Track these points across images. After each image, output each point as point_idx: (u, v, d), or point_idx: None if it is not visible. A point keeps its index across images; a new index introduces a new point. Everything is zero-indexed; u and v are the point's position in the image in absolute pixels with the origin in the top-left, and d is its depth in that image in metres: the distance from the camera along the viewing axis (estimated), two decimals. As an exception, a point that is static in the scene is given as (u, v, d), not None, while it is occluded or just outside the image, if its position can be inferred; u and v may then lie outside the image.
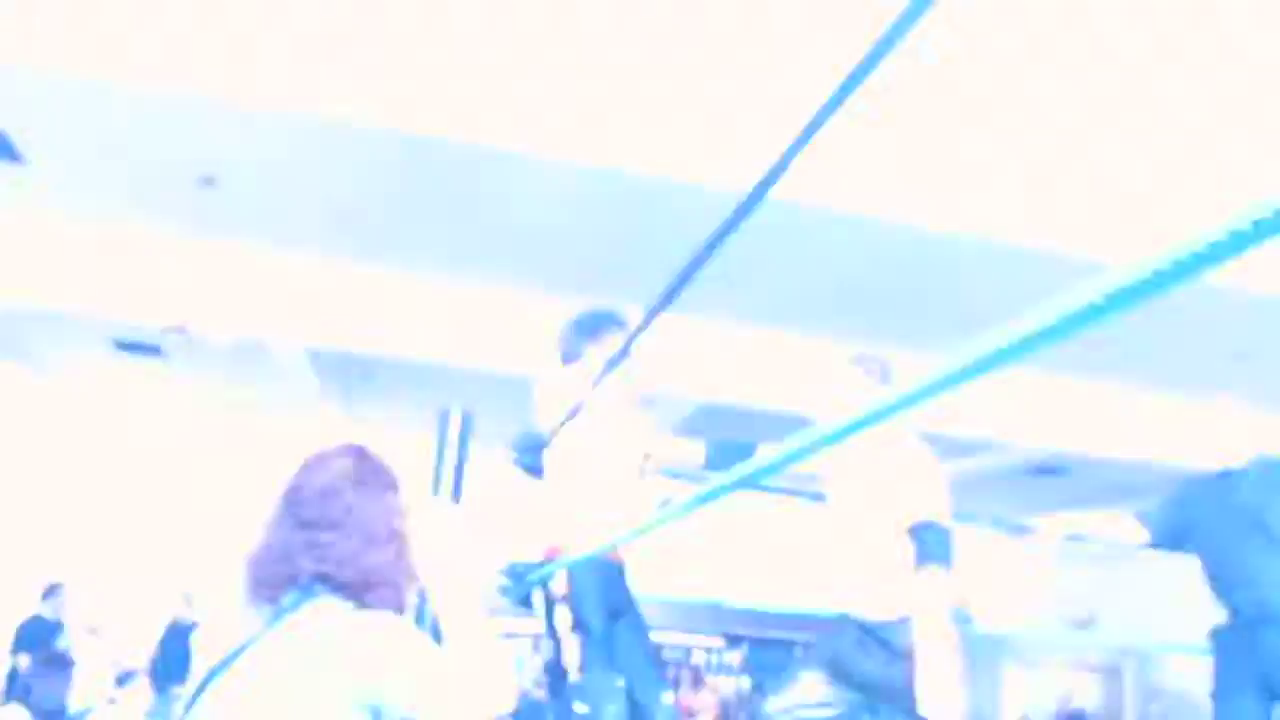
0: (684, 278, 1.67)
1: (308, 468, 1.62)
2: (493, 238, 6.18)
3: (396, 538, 1.59)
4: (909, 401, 0.89)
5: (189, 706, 1.44)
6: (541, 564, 2.69)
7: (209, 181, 5.58)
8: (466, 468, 2.95)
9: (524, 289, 6.95)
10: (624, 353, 2.36)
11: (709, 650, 15.09)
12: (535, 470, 3.04)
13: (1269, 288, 5.16)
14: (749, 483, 1.32)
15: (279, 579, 1.53)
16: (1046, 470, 10.08)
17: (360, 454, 1.66)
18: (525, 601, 2.79)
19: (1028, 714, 13.07)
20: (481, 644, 1.52)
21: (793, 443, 1.12)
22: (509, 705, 1.52)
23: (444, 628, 1.54)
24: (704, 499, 1.50)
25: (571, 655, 2.52)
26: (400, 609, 1.56)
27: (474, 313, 7.17)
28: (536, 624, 2.74)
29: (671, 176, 4.73)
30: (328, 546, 1.53)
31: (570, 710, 2.48)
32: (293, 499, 1.59)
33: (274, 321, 6.96)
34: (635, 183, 4.85)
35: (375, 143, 4.89)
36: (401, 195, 5.72)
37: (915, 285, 6.00)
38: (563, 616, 2.59)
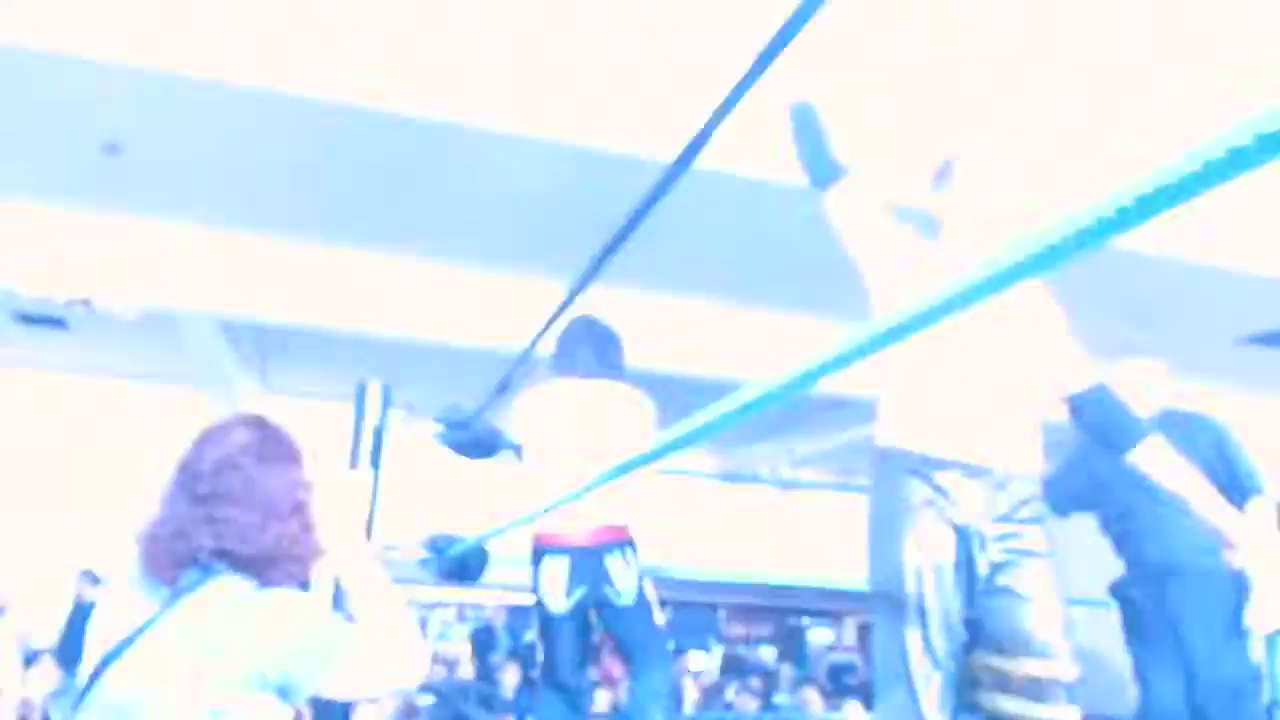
0: (611, 248, 1.65)
1: (204, 440, 1.56)
2: (410, 207, 6.06)
3: (300, 511, 1.54)
4: (838, 363, 0.89)
5: (84, 692, 1.38)
6: (458, 538, 2.67)
7: (113, 149, 5.37)
8: (385, 439, 2.90)
9: (443, 259, 6.85)
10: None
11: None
12: (461, 448, 3.00)
13: (1162, 248, 5.29)
14: (679, 445, 1.33)
15: (177, 557, 1.47)
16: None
17: (261, 425, 1.61)
18: (448, 574, 2.76)
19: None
20: (392, 614, 1.51)
21: (720, 407, 1.11)
22: (421, 675, 1.52)
23: (353, 599, 1.52)
24: (630, 465, 1.49)
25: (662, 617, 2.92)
26: (304, 583, 1.52)
27: (392, 283, 7.05)
28: (459, 594, 2.79)
29: (593, 145, 4.67)
30: (226, 522, 1.47)
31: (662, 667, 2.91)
32: (189, 473, 1.53)
33: (182, 292, 6.77)
34: (560, 152, 4.78)
35: (285, 110, 4.74)
36: (313, 164, 5.57)
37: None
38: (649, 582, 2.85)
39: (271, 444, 1.59)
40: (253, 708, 1.38)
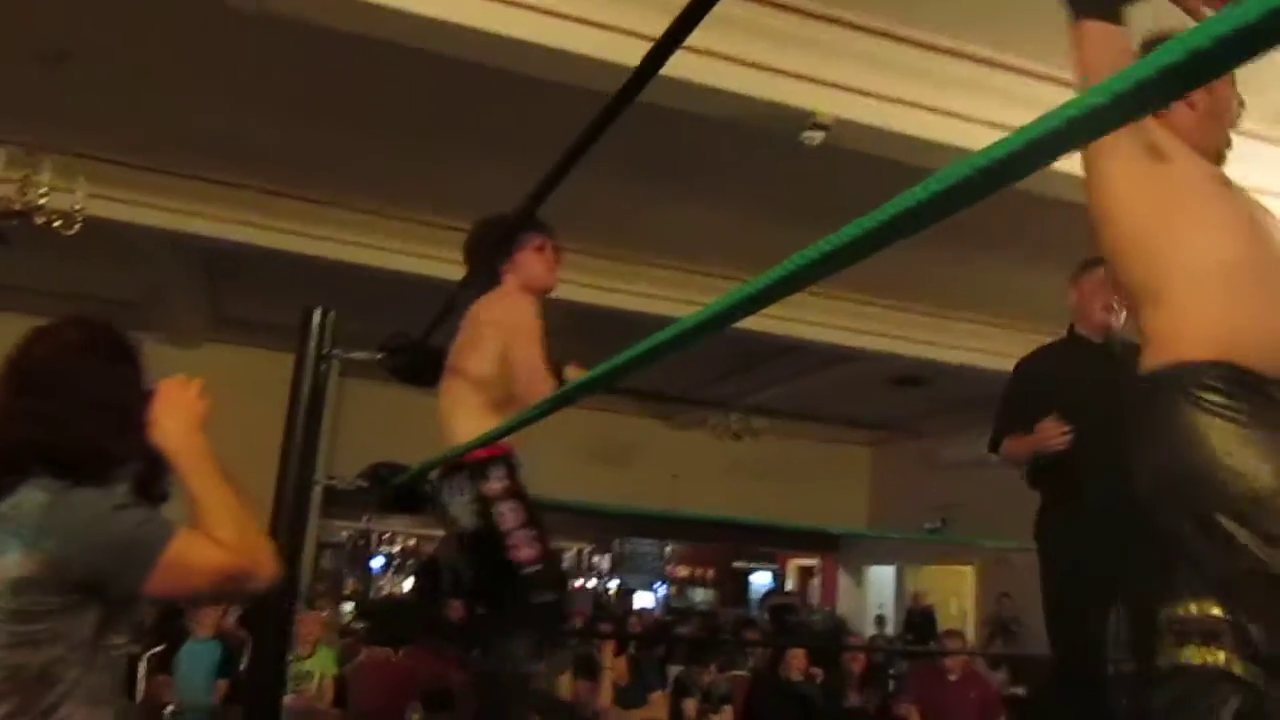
0: (552, 179, 1.64)
1: (35, 338, 1.57)
2: (358, 130, 5.97)
3: (123, 409, 1.55)
4: (754, 303, 0.90)
5: None
6: (405, 468, 2.67)
7: (61, 58, 5.22)
8: (329, 367, 2.89)
9: (395, 183, 6.78)
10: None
11: (580, 552, 15.38)
12: (402, 372, 2.99)
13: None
14: (606, 381, 1.34)
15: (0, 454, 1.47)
16: (909, 381, 10.45)
17: (91, 325, 1.61)
18: (392, 504, 2.77)
19: (883, 609, 13.78)
20: (227, 515, 1.50)
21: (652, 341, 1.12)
22: (265, 578, 1.51)
23: (190, 501, 1.51)
24: (567, 396, 1.50)
25: (528, 549, 2.39)
26: (108, 480, 1.50)
27: (342, 213, 6.97)
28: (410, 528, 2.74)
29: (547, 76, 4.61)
30: (46, 417, 1.48)
31: (520, 603, 2.41)
32: (15, 369, 1.53)
33: (129, 208, 6.64)
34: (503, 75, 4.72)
35: (229, 27, 4.63)
36: (260, 88, 5.46)
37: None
38: (513, 511, 2.43)
39: (99, 342, 1.59)
40: (62, 606, 1.39)
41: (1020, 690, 9.06)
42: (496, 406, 2.56)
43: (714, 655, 6.70)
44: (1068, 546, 2.89)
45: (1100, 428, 2.74)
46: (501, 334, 2.59)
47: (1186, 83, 0.51)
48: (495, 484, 2.47)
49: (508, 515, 2.43)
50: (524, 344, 2.55)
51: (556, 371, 2.92)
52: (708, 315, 0.97)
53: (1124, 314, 2.94)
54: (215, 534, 1.47)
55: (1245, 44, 0.46)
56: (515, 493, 2.47)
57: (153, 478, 1.57)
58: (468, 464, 2.52)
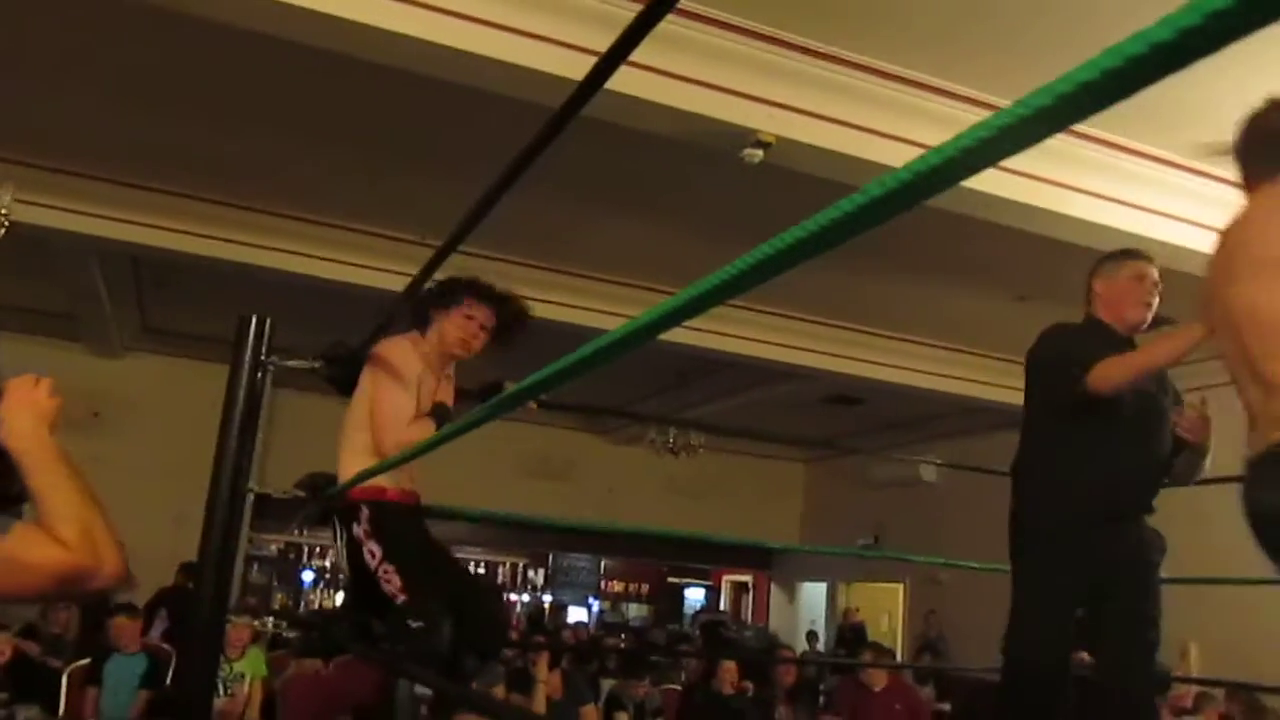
0: (492, 197, 1.65)
1: None
2: (293, 137, 5.92)
3: None
4: (679, 316, 0.92)
5: None
6: (333, 481, 2.65)
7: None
8: (266, 375, 2.86)
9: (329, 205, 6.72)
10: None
11: (515, 567, 15.30)
12: (340, 383, 2.98)
13: (1048, 229, 5.49)
14: (534, 394, 1.35)
15: None
16: (843, 399, 10.59)
17: None
18: (326, 514, 2.75)
19: (815, 625, 13.90)
20: (72, 512, 1.45)
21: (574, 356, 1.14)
22: (110, 577, 1.45)
23: (36, 497, 1.48)
24: (487, 414, 1.51)
25: (390, 585, 2.51)
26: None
27: (272, 219, 6.89)
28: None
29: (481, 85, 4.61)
30: None
31: (399, 628, 2.51)
32: None
33: (53, 214, 6.50)
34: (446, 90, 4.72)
35: (159, 31, 4.58)
36: (190, 94, 5.40)
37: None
38: (371, 553, 2.55)
39: None
40: None
41: (946, 707, 9.21)
42: (373, 448, 2.61)
43: (647, 670, 6.71)
44: (1070, 545, 2.74)
45: (1139, 427, 2.74)
46: (374, 377, 2.66)
47: (1110, 96, 0.53)
48: (359, 527, 2.57)
49: (369, 556, 2.55)
50: (379, 386, 2.62)
51: (494, 390, 2.97)
52: (633, 328, 0.98)
53: (1153, 312, 2.88)
54: (56, 532, 1.42)
55: (1170, 57, 0.48)
56: (375, 534, 2.56)
57: (2, 477, 1.53)
58: (338, 509, 2.61)
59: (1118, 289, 2.87)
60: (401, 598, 2.49)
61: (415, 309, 2.76)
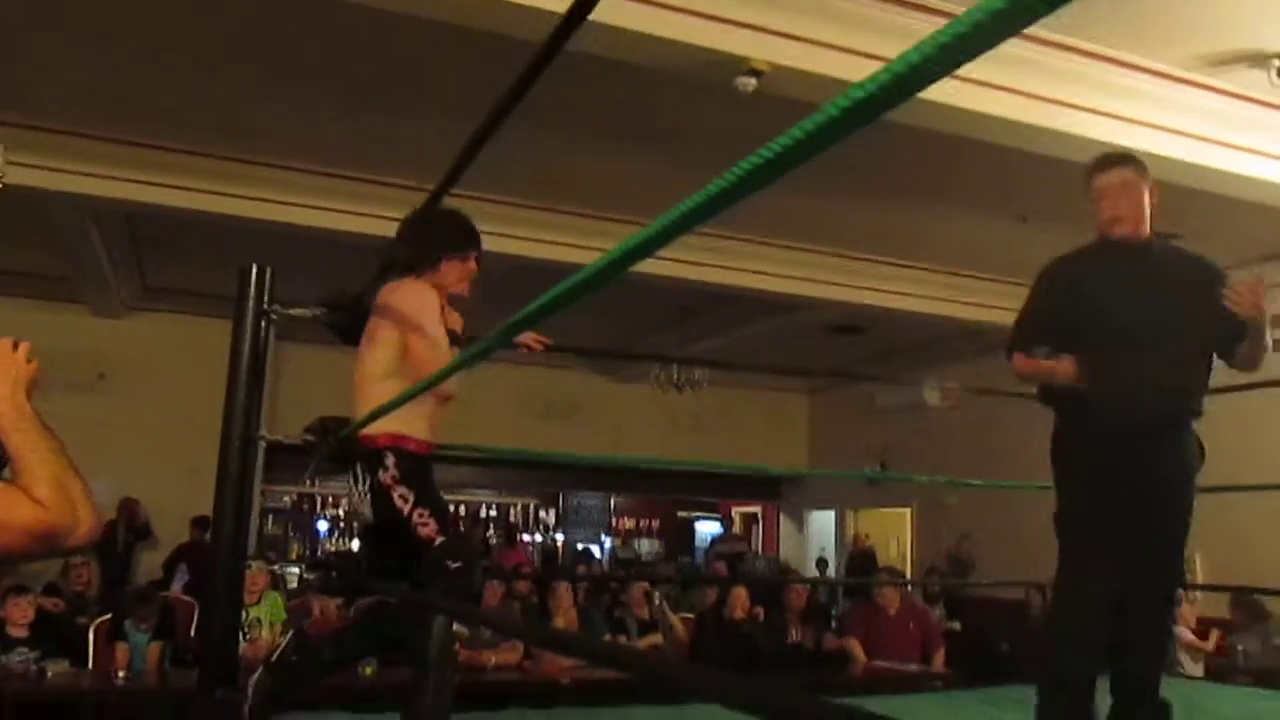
0: (479, 139, 1.66)
1: None
2: (283, 87, 5.87)
3: None
4: (652, 245, 0.94)
5: None
6: (348, 421, 2.68)
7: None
8: (269, 324, 2.89)
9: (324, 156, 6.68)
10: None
11: (526, 508, 15.47)
12: (342, 330, 3.00)
13: (1046, 148, 5.45)
14: (520, 330, 1.37)
15: None
16: (846, 329, 10.60)
17: None
18: (338, 456, 2.79)
19: (824, 553, 14.08)
20: (43, 471, 1.50)
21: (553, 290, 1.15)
22: (83, 534, 1.52)
23: (12, 456, 1.52)
24: (485, 349, 1.53)
25: (426, 528, 2.55)
26: None
27: (267, 170, 6.86)
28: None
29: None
30: None
31: (438, 569, 2.54)
32: None
33: (49, 176, 6.48)
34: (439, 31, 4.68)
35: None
36: (180, 45, 5.35)
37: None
38: (403, 497, 2.57)
39: None
40: None
41: (957, 625, 9.37)
42: (393, 396, 2.59)
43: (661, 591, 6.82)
44: (1098, 462, 2.63)
45: (1138, 338, 2.64)
46: (400, 322, 2.65)
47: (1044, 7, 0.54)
48: (386, 474, 2.58)
49: (401, 501, 2.57)
50: (416, 335, 2.62)
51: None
52: (611, 258, 1.01)
53: (1144, 219, 2.72)
54: (33, 492, 1.47)
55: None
56: (403, 479, 2.58)
57: None
58: (363, 454, 2.62)
59: (1094, 205, 2.80)
60: (439, 539, 2.54)
61: (421, 251, 2.75)
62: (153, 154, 6.59)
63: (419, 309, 2.65)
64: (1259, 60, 5.22)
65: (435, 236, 2.77)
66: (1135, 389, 2.62)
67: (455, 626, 2.58)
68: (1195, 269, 2.79)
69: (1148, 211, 2.76)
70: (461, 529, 2.89)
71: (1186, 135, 5.51)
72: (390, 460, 2.59)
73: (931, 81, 0.63)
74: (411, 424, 2.61)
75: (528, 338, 3.16)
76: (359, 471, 2.63)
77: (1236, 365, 2.79)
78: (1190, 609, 6.62)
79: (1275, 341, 2.77)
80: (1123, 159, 2.82)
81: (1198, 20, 4.96)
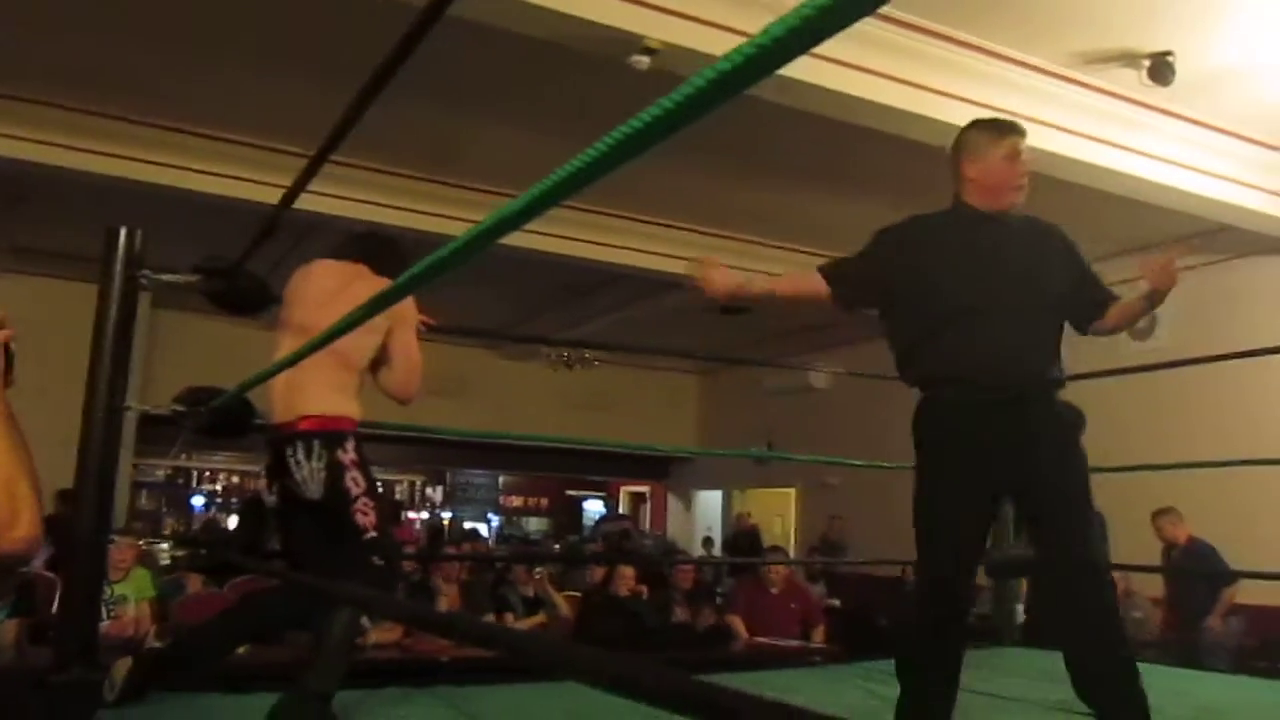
0: (359, 105, 1.60)
1: None
2: (159, 44, 5.63)
3: None
4: (521, 217, 0.93)
5: None
6: (220, 392, 2.60)
7: None
8: (137, 290, 2.77)
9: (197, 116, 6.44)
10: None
11: (413, 485, 15.28)
12: (220, 298, 2.90)
13: (925, 135, 5.56)
14: (389, 302, 1.35)
15: None
16: (731, 310, 10.71)
17: None
18: (209, 429, 2.70)
19: (711, 532, 14.27)
20: None
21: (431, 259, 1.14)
22: (23, 542, 1.33)
23: None
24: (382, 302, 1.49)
25: (366, 517, 2.56)
26: None
27: (142, 130, 6.58)
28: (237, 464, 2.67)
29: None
30: None
31: (361, 560, 2.55)
32: None
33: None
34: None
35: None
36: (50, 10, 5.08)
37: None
38: (355, 481, 2.58)
39: None
40: None
41: (837, 602, 9.62)
42: (357, 389, 2.70)
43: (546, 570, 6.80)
44: (955, 434, 2.51)
45: (989, 306, 2.49)
46: (388, 321, 2.68)
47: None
48: (346, 455, 2.60)
49: (353, 484, 2.59)
50: (408, 335, 2.74)
51: None
52: (477, 232, 1.01)
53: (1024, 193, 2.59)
54: None
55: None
56: (360, 465, 2.61)
57: None
58: (321, 433, 2.59)
59: (994, 173, 2.57)
60: (373, 533, 2.55)
61: (391, 266, 2.72)
62: (13, 105, 6.25)
63: (411, 314, 2.76)
64: (1131, 60, 5.44)
65: (398, 260, 2.77)
66: (978, 359, 2.50)
67: (363, 621, 2.55)
68: (1048, 236, 2.67)
69: None
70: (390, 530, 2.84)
71: (1060, 129, 5.71)
72: (351, 444, 2.61)
73: (795, 55, 0.63)
74: (358, 414, 2.67)
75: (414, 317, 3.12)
76: (314, 447, 2.58)
77: (1094, 332, 2.69)
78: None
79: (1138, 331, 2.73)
80: (1012, 127, 2.66)
81: (1075, 17, 5.14)
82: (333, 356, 2.56)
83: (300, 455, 2.58)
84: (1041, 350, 2.57)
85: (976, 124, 2.70)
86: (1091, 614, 2.43)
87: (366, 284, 2.66)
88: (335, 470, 2.57)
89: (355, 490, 2.57)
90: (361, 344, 2.64)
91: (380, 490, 2.71)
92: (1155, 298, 2.54)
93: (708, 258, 2.68)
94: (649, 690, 0.74)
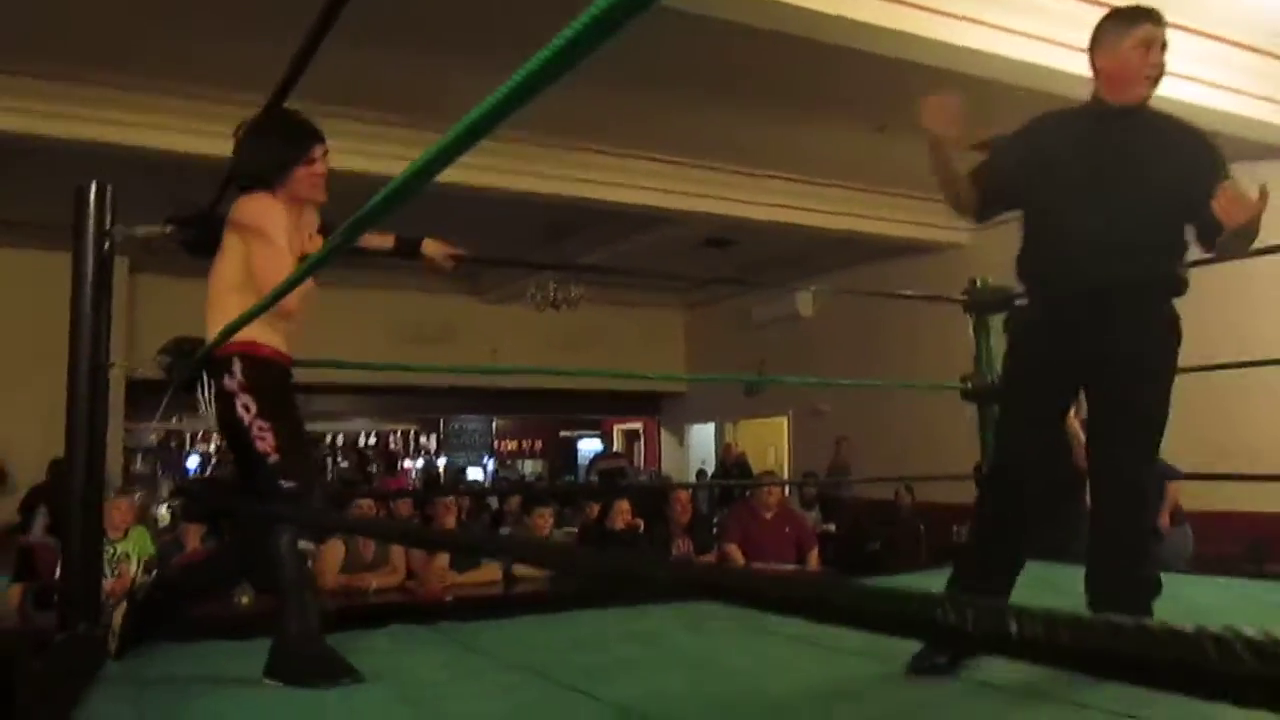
0: (308, 48, 1.57)
1: None
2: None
3: None
4: (456, 149, 0.94)
5: None
6: (201, 342, 2.58)
7: None
8: (113, 245, 2.75)
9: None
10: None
11: (407, 434, 15.32)
12: (194, 246, 2.88)
13: (901, 52, 5.51)
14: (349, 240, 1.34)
15: None
16: (716, 242, 10.69)
17: None
18: (195, 382, 2.69)
19: (705, 465, 14.38)
20: None
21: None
22: None
23: None
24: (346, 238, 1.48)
25: (263, 442, 2.44)
26: None
27: (104, 88, 6.47)
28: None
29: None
30: None
31: (271, 488, 2.44)
32: None
33: None
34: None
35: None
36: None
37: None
38: (245, 406, 2.46)
39: None
40: None
41: (832, 528, 9.73)
42: (242, 306, 2.47)
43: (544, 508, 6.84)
44: (1033, 333, 2.52)
45: (1110, 211, 2.40)
46: (243, 233, 2.57)
47: None
48: (232, 380, 2.49)
49: (243, 410, 2.47)
50: (263, 245, 2.53)
51: (414, 246, 3.00)
52: (415, 167, 1.02)
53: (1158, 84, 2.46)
54: None
55: None
56: (249, 388, 2.48)
57: None
58: (208, 363, 2.52)
59: (1122, 62, 2.45)
60: (274, 457, 2.43)
61: (263, 163, 2.62)
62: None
63: (259, 217, 2.55)
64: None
65: (273, 145, 2.62)
66: (1069, 255, 2.45)
67: (301, 544, 2.48)
68: (1185, 139, 2.53)
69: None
70: (307, 450, 2.73)
71: (1047, 40, 5.63)
72: (237, 366, 2.48)
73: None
74: (264, 334, 2.51)
75: (438, 251, 3.07)
76: (204, 380, 2.54)
77: (1215, 251, 2.52)
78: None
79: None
80: (1143, 12, 2.49)
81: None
82: (212, 286, 2.57)
83: (203, 392, 2.55)
84: (1145, 250, 2.42)
85: (1110, 13, 2.52)
86: (1122, 535, 2.43)
87: (233, 210, 2.62)
88: (225, 400, 2.48)
89: (247, 416, 2.45)
90: (221, 265, 2.59)
91: (291, 416, 2.55)
92: (1240, 231, 2.36)
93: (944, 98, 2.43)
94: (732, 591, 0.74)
